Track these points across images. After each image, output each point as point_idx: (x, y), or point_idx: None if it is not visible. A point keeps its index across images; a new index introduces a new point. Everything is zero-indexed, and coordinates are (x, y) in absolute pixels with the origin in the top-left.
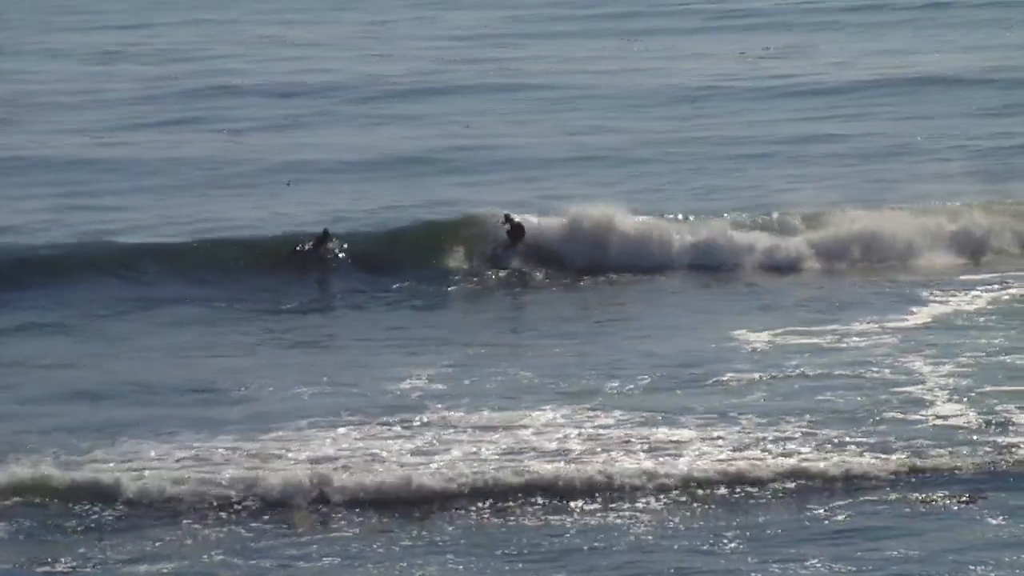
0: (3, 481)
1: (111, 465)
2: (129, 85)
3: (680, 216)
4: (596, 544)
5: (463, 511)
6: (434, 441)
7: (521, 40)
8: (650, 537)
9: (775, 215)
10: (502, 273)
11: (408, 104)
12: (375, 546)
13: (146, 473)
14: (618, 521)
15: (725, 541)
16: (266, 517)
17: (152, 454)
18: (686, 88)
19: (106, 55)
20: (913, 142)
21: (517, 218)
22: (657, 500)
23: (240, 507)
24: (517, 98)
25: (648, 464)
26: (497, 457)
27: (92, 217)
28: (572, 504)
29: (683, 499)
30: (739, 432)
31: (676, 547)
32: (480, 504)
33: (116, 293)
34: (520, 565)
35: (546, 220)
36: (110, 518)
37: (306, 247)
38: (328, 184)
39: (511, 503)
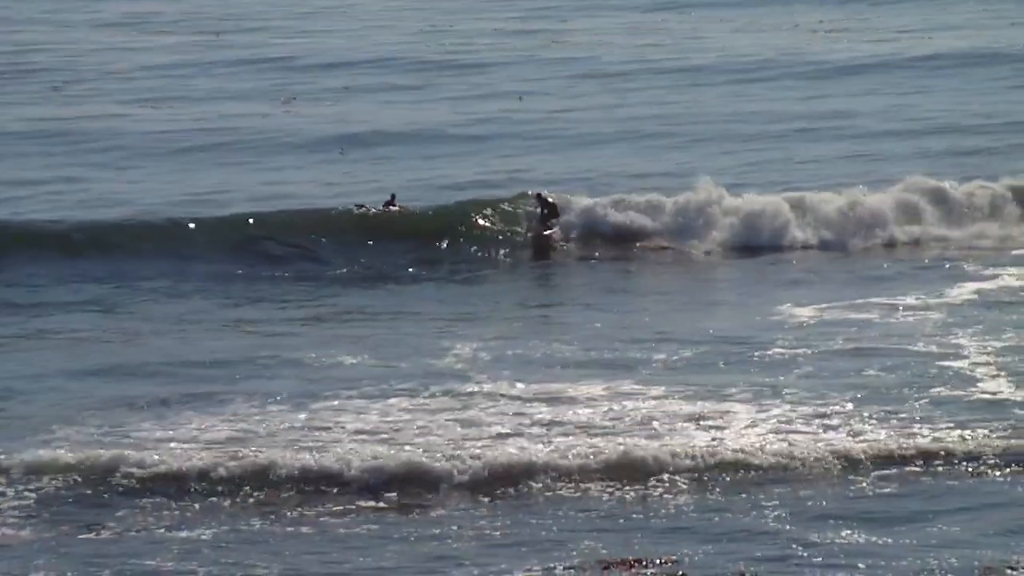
0: (44, 457)
1: (157, 435)
2: (180, 56)
3: (719, 191)
4: (634, 515)
5: (503, 486)
6: (481, 415)
7: (570, 12)
8: (691, 509)
9: (828, 191)
10: (545, 249)
11: (461, 76)
12: (412, 515)
13: (187, 446)
14: (657, 493)
15: (767, 511)
16: (303, 486)
17: (202, 426)
18: (740, 62)
19: (159, 24)
20: (963, 118)
21: (551, 197)
22: (697, 473)
23: (279, 478)
24: (568, 71)
25: (689, 438)
26: (543, 431)
27: (138, 188)
28: (611, 476)
29: (725, 472)
30: (784, 406)
31: (716, 519)
32: (522, 479)
33: (160, 266)
34: (555, 530)
35: (593, 199)
36: (152, 489)
37: (372, 210)
38: (379, 156)
39: (549, 477)
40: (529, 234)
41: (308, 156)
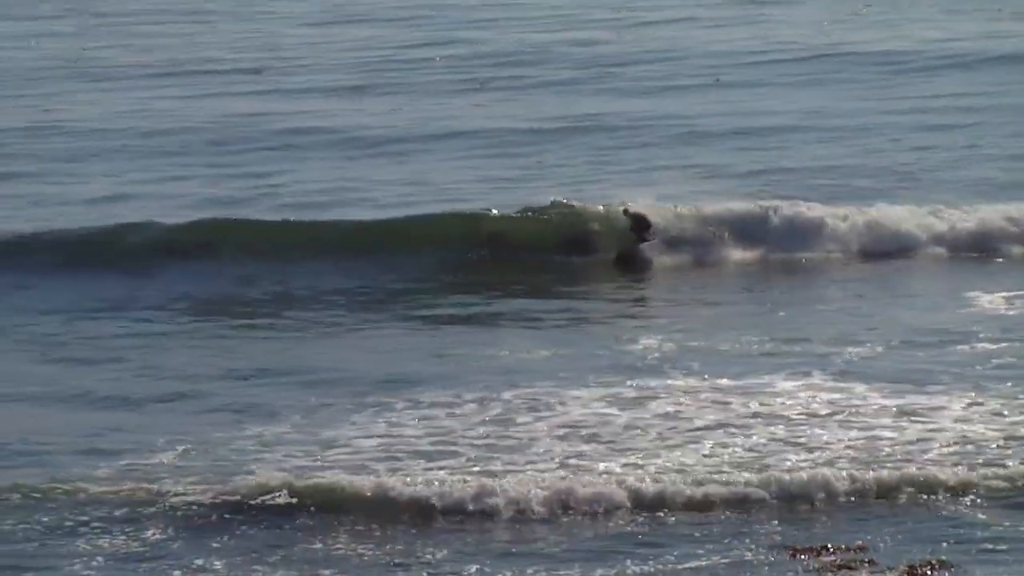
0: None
1: (349, 435)
2: (341, 52)
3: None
4: (817, 504)
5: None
6: (682, 408)
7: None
8: (876, 495)
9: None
10: (637, 263)
11: (649, 64)
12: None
13: (373, 441)
14: (845, 483)
15: (959, 500)
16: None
17: (392, 426)
18: (937, 49)
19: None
20: None
21: (639, 210)
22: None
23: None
24: (762, 59)
25: (896, 431)
26: (747, 422)
27: (308, 186)
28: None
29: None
30: (983, 400)
31: (902, 504)
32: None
33: (326, 268)
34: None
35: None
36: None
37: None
38: (527, 155)
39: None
40: (625, 249)
41: (492, 150)
